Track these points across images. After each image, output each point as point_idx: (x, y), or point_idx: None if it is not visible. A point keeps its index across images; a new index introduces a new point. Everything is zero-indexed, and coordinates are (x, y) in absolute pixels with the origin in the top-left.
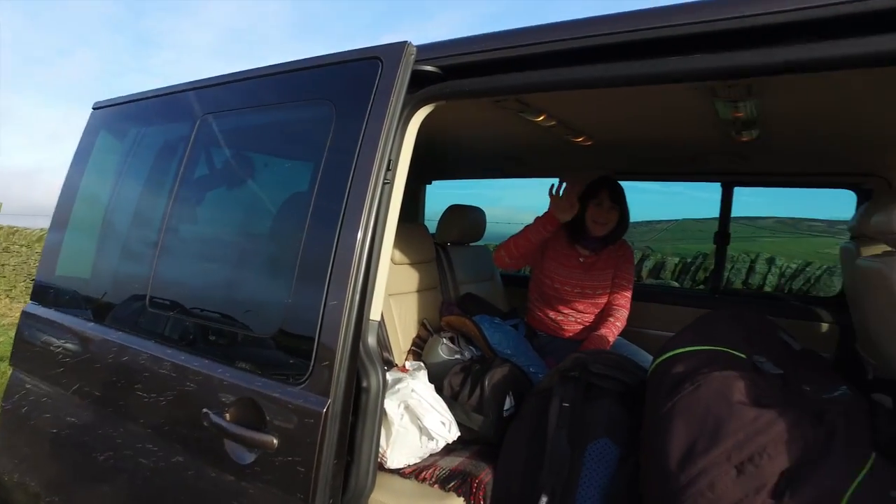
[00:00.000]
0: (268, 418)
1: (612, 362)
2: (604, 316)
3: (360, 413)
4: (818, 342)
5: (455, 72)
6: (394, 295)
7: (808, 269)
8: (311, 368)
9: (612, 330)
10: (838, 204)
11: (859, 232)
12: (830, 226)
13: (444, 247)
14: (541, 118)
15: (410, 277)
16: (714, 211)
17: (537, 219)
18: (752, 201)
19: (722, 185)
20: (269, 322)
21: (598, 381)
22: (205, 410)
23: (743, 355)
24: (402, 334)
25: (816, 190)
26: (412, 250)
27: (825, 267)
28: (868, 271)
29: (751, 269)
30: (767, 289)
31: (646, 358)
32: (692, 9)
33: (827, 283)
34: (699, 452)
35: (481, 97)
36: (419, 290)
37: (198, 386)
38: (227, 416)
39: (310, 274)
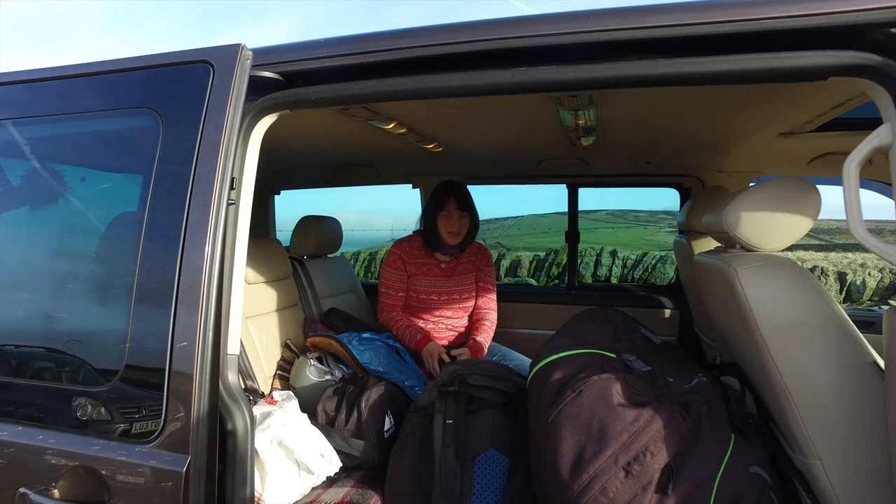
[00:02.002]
0: (112, 487)
1: (489, 372)
2: (475, 321)
3: (227, 460)
4: (663, 327)
5: (298, 78)
6: (251, 317)
7: (644, 259)
8: (162, 422)
9: (488, 335)
10: (652, 199)
11: (687, 227)
12: (652, 216)
13: (301, 261)
14: (391, 126)
15: (268, 297)
16: (554, 206)
17: (408, 336)
18: (584, 197)
19: (567, 187)
20: (102, 372)
21: (477, 393)
22: (22, 490)
23: (613, 355)
24: (266, 358)
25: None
26: (266, 267)
27: (658, 256)
28: (708, 267)
29: (597, 262)
30: (614, 280)
31: (517, 358)
32: (535, 22)
33: (661, 270)
34: (588, 459)
35: (329, 106)
36: (279, 310)
37: (8, 461)
38: (56, 492)
39: (149, 310)
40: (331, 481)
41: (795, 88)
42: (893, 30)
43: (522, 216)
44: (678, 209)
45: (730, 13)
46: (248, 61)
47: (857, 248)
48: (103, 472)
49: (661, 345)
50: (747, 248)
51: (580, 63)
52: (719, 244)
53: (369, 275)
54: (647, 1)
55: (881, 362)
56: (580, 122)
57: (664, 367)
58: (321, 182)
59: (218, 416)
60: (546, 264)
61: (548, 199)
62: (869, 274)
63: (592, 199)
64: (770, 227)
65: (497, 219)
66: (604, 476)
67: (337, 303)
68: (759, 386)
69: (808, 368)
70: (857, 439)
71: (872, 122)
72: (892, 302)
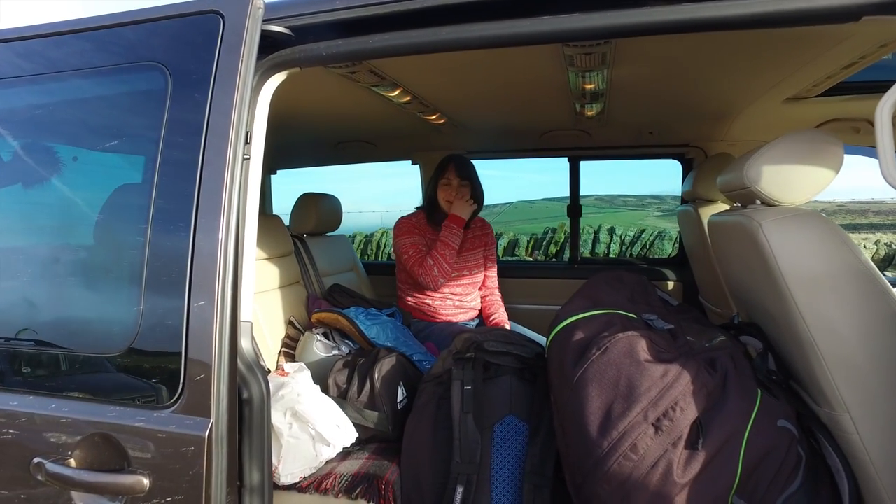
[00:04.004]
0: (131, 455)
1: (505, 338)
2: (485, 297)
3: (244, 430)
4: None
5: (309, 33)
6: (256, 294)
7: (643, 235)
8: (181, 386)
9: (503, 310)
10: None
11: (694, 195)
12: (640, 200)
13: (301, 238)
14: (396, 93)
15: (271, 273)
16: (541, 193)
17: (445, 227)
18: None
19: (569, 160)
20: (115, 338)
21: (494, 360)
22: (37, 460)
23: (634, 315)
24: (270, 335)
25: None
26: (269, 244)
27: (655, 232)
28: (727, 225)
29: (595, 240)
30: (612, 255)
31: (524, 332)
32: None
33: (658, 246)
34: (617, 416)
35: (341, 62)
36: (282, 287)
37: (21, 431)
38: (73, 461)
39: (164, 274)
40: (345, 454)
41: (809, 43)
42: None
43: (512, 203)
44: (664, 194)
45: None
46: (260, 11)
47: (850, 227)
48: (121, 439)
49: (677, 306)
50: (769, 203)
51: (603, 10)
52: (735, 204)
53: (366, 257)
54: None
55: None
56: (588, 86)
57: (684, 328)
58: (320, 160)
59: (237, 380)
60: (544, 243)
61: (536, 186)
62: (864, 247)
63: (581, 184)
64: (793, 180)
65: (486, 206)
66: (633, 433)
67: (338, 280)
68: (784, 341)
69: (835, 319)
70: (885, 389)
71: (878, 86)
72: (888, 273)
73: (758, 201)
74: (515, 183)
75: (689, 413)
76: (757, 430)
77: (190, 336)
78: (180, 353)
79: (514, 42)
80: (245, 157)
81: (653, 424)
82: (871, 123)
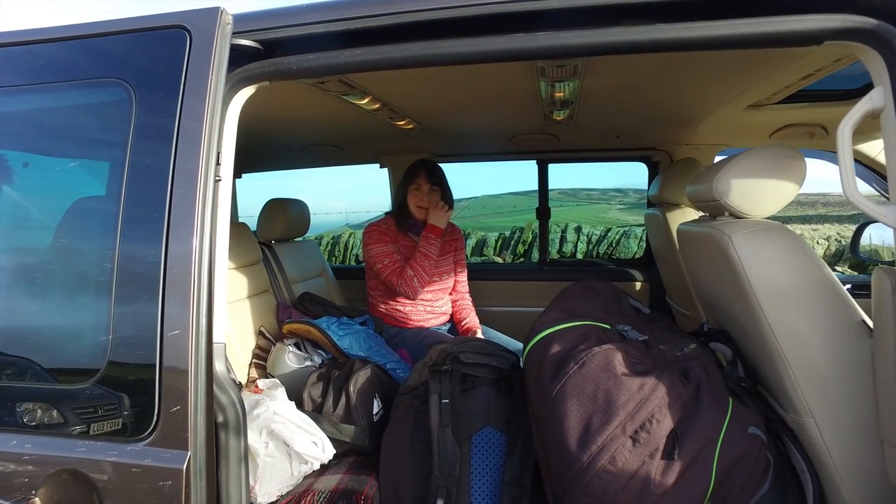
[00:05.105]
0: (102, 491)
1: (481, 349)
2: (456, 302)
3: (220, 455)
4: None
5: (277, 47)
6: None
7: (609, 234)
8: (156, 417)
9: (474, 315)
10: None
11: (661, 199)
12: (603, 193)
13: (269, 245)
14: (365, 101)
15: (239, 283)
16: (505, 187)
17: (423, 238)
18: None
19: (538, 163)
20: (82, 368)
21: (470, 371)
22: None
23: (608, 326)
24: (241, 347)
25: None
26: (237, 253)
27: (621, 231)
28: (697, 236)
29: (563, 239)
30: (580, 255)
31: (496, 335)
32: None
33: (624, 244)
34: (596, 429)
35: (312, 76)
36: (251, 296)
37: None
38: (37, 500)
39: (132, 299)
40: (323, 468)
41: (771, 59)
42: None
43: (476, 197)
44: (626, 188)
45: None
46: (229, 26)
47: (793, 220)
48: (92, 475)
49: (649, 314)
50: (737, 215)
51: (575, 29)
52: (703, 214)
53: (333, 259)
54: None
55: (869, 321)
56: (558, 94)
57: (657, 337)
58: (286, 164)
59: (214, 407)
60: (512, 242)
61: (498, 179)
62: (817, 242)
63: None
64: (760, 194)
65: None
66: (612, 445)
67: (308, 287)
68: (753, 349)
69: (801, 329)
70: (846, 395)
71: (831, 94)
72: (838, 268)
73: (727, 213)
74: (479, 177)
75: (665, 424)
76: (729, 438)
77: (164, 366)
78: (154, 383)
79: (487, 59)
80: (217, 178)
81: (630, 437)
82: (825, 129)
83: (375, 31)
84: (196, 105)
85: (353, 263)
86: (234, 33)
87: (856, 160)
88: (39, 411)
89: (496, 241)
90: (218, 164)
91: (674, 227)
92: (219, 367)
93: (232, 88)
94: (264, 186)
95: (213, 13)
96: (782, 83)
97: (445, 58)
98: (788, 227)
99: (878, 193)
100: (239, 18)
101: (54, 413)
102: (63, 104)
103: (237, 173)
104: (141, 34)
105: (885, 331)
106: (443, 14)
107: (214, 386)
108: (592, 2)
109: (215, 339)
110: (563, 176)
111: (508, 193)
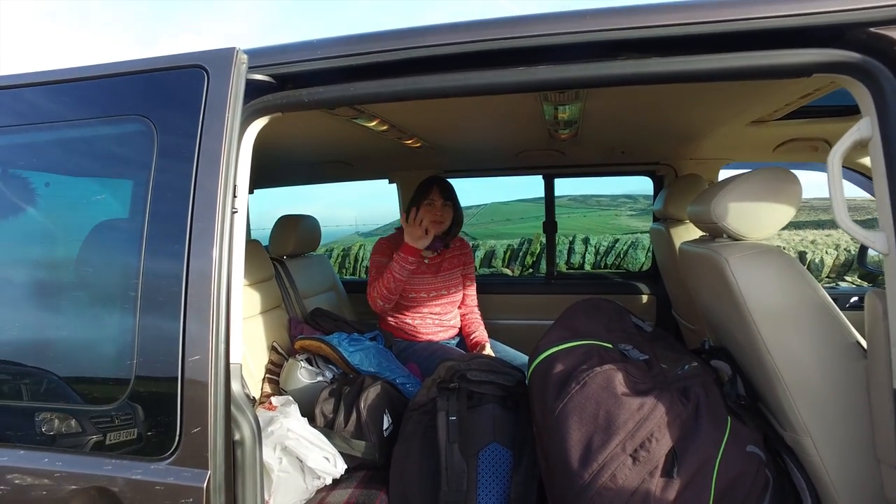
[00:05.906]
0: None
1: (487, 366)
2: (465, 316)
3: (237, 471)
4: (641, 313)
5: (289, 81)
6: None
7: (616, 245)
8: (178, 437)
9: (483, 330)
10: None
11: (665, 215)
12: (613, 199)
13: (281, 261)
14: (374, 123)
15: (252, 300)
16: (514, 194)
17: (396, 256)
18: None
19: (543, 177)
20: (110, 389)
21: (477, 388)
22: None
23: (610, 345)
24: (254, 362)
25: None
26: (250, 270)
27: (629, 241)
28: (696, 256)
29: (571, 250)
30: (587, 267)
31: (503, 349)
32: (533, 22)
33: (632, 255)
34: (597, 448)
35: (322, 108)
36: (263, 312)
37: (11, 488)
38: None
39: (155, 323)
40: (334, 483)
41: (769, 82)
42: (873, 29)
43: (485, 204)
44: (636, 194)
45: (721, 13)
46: (244, 65)
47: (807, 224)
48: (117, 492)
49: (651, 332)
50: (735, 238)
51: (576, 62)
52: (703, 233)
53: (343, 271)
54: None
55: (863, 342)
56: (562, 116)
57: (658, 356)
58: (296, 180)
59: (231, 427)
60: (521, 254)
61: (509, 187)
62: (826, 252)
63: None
64: (757, 217)
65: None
66: (613, 464)
67: (319, 301)
68: (751, 368)
69: (797, 350)
70: (843, 414)
71: (832, 110)
72: (847, 278)
73: (725, 235)
74: (488, 184)
75: (664, 443)
76: (727, 457)
77: (185, 386)
78: (175, 405)
79: (495, 91)
80: (234, 210)
81: (631, 455)
82: (828, 143)
83: (381, 65)
84: (214, 139)
85: (363, 276)
86: (250, 68)
87: (861, 173)
88: (69, 431)
89: (505, 253)
90: (234, 196)
91: (677, 244)
92: (235, 387)
93: (245, 120)
94: (277, 194)
95: (229, 53)
96: (782, 102)
97: (453, 90)
98: (802, 231)
99: None
100: (252, 53)
101: (82, 432)
102: (90, 139)
103: (250, 190)
104: (161, 73)
105: (878, 352)
106: (445, 50)
107: (232, 406)
108: (590, 38)
109: (232, 359)
110: (573, 182)
111: (517, 201)
